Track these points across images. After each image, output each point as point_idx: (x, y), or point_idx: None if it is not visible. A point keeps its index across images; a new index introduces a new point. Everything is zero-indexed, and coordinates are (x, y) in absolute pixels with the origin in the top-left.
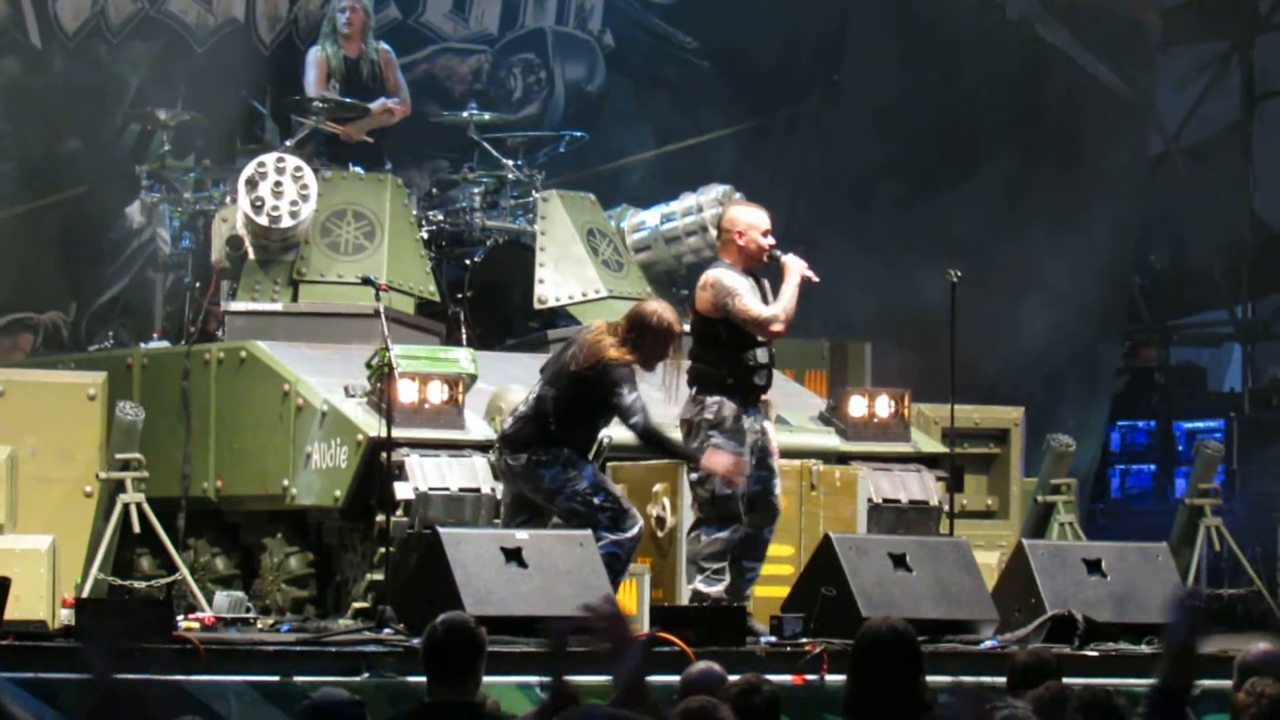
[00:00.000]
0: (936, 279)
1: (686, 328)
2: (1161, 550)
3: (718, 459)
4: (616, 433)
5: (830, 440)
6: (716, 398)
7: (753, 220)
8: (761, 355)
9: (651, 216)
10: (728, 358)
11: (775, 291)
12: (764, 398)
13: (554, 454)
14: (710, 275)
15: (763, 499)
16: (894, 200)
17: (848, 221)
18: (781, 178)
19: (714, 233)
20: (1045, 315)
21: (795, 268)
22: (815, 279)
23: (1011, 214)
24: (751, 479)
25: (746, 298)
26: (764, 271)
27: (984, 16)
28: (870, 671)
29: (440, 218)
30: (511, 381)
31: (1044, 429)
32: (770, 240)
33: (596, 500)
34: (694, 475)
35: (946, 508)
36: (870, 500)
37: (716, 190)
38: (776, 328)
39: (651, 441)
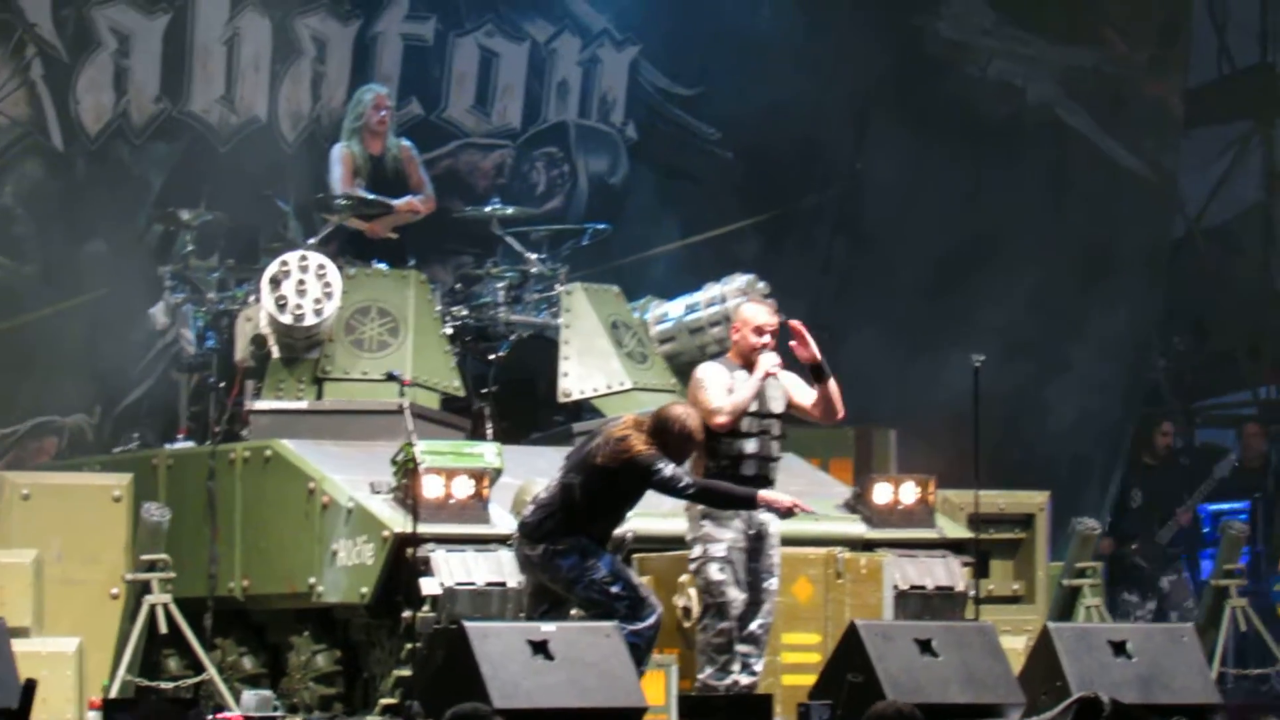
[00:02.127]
0: (961, 364)
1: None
2: (1187, 631)
3: (774, 495)
4: (640, 524)
5: (856, 527)
6: None
7: (749, 316)
8: (749, 445)
9: (675, 308)
10: (712, 449)
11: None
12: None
13: (571, 543)
14: (698, 369)
15: (750, 592)
16: (918, 286)
17: (872, 308)
18: (805, 266)
19: None
20: (1071, 399)
21: (762, 364)
22: (776, 375)
23: (1036, 298)
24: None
25: (711, 390)
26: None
27: (1004, 101)
28: None
29: (464, 313)
30: (537, 475)
31: (1071, 513)
32: (763, 339)
33: (614, 589)
34: (692, 565)
35: (972, 593)
36: (896, 587)
37: (740, 280)
38: (719, 420)
39: (713, 496)
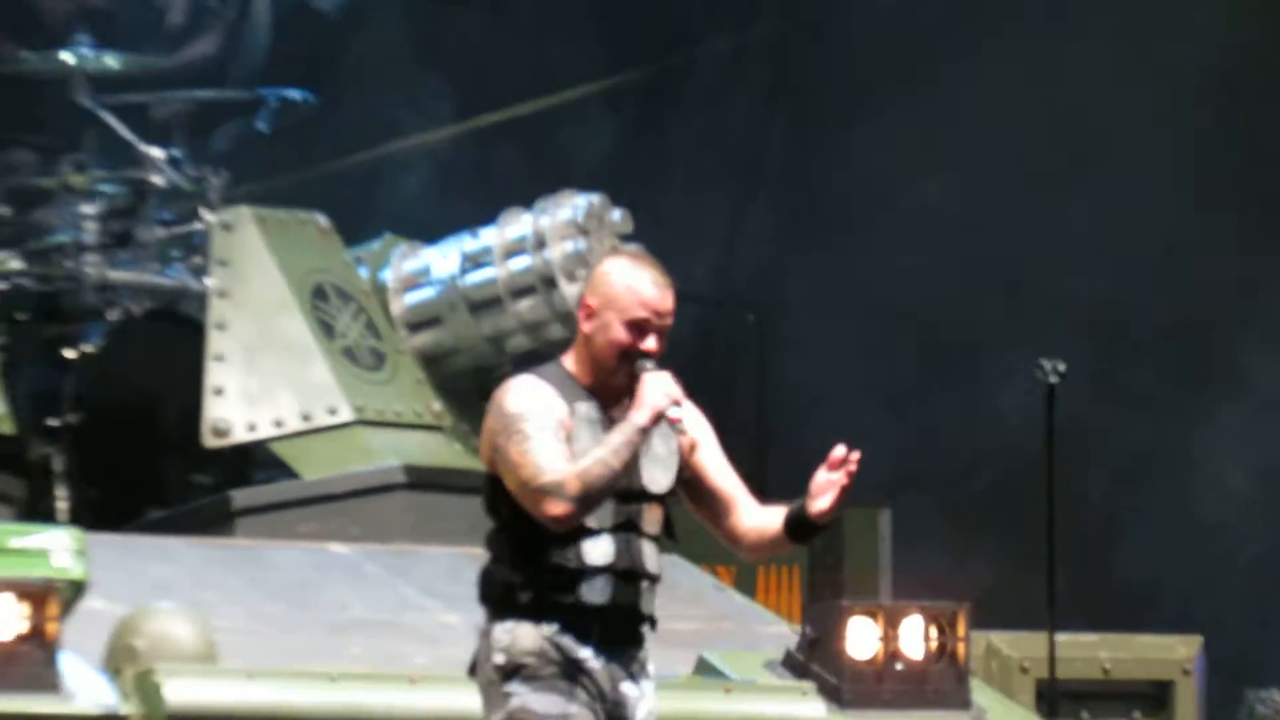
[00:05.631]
0: (1009, 381)
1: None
2: None
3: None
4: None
5: (807, 710)
6: (509, 624)
7: (625, 287)
8: (597, 551)
9: (444, 260)
10: (516, 550)
11: None
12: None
13: None
14: (499, 389)
15: None
16: (925, 227)
17: (840, 274)
18: (713, 168)
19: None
20: (1243, 454)
21: (650, 395)
22: (682, 427)
23: (1144, 261)
24: None
25: (532, 437)
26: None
27: None
28: None
29: (16, 265)
30: (159, 594)
31: (1243, 675)
32: (645, 342)
33: None
34: None
35: None
36: None
37: (577, 205)
38: (555, 511)
39: None
